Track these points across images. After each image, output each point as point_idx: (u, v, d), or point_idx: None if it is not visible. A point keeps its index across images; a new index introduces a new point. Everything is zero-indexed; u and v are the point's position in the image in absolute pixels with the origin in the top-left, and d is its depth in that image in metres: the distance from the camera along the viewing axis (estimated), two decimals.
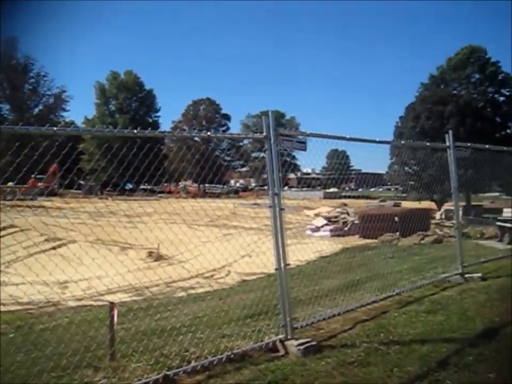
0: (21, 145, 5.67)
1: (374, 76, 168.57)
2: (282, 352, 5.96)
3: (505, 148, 13.42)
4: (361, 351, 5.88)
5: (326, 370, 5.32)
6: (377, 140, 8.59)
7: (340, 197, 45.81)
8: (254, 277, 15.23)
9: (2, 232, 22.97)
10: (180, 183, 69.77)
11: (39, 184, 48.28)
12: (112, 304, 5.80)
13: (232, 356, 5.67)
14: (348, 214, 32.58)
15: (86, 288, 14.67)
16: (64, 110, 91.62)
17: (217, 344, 6.02)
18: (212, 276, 17.28)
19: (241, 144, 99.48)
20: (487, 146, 12.45)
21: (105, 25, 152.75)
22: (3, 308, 12.77)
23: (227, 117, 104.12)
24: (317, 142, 7.30)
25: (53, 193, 41.32)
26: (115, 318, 5.67)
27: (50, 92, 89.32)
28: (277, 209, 6.19)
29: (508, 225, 17.89)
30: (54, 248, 21.28)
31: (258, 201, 47.53)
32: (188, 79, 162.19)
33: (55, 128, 4.91)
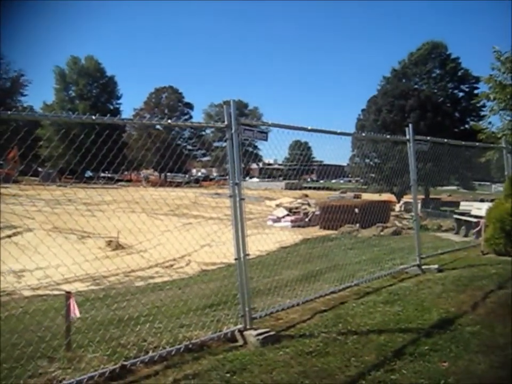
0: None
1: (338, 67, 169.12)
2: (241, 342, 5.97)
3: (463, 143, 13.67)
4: (319, 341, 5.92)
5: (284, 360, 5.34)
6: (338, 131, 8.63)
7: (301, 188, 46.04)
8: (214, 267, 15.22)
9: None
10: (141, 172, 69.21)
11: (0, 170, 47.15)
12: (68, 294, 5.70)
13: (190, 346, 5.65)
14: (309, 205, 32.78)
15: (42, 277, 14.42)
16: (22, 94, 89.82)
17: (176, 334, 6.00)
18: (172, 265, 17.19)
19: (203, 133, 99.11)
20: (446, 140, 12.65)
21: (67, 9, 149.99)
22: None
23: (190, 106, 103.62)
24: (280, 133, 7.30)
25: (9, 179, 40.36)
26: (72, 308, 5.57)
27: (7, 76, 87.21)
28: (237, 199, 6.18)
29: (464, 218, 18.29)
30: (9, 236, 20.84)
31: (220, 191, 47.44)
32: (150, 67, 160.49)
33: (9, 112, 4.76)
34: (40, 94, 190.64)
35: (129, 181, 61.43)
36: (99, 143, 5.76)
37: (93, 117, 5.21)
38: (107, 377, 4.89)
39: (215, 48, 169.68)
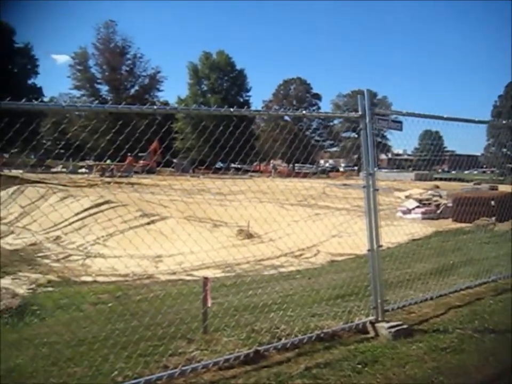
0: (122, 124, 5.91)
1: (467, 53, 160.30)
2: (372, 334, 5.93)
3: None
4: (454, 337, 5.75)
5: (417, 355, 5.25)
6: (476, 119, 8.25)
7: (432, 179, 44.50)
8: (342, 258, 15.15)
9: (101, 208, 24.20)
10: (271, 162, 70.24)
11: (140, 162, 50.17)
12: (206, 279, 5.98)
13: (322, 335, 5.70)
14: (440, 196, 31.57)
15: (177, 263, 15.18)
16: (158, 90, 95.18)
17: (307, 322, 6.07)
18: (301, 255, 17.34)
19: (331, 124, 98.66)
20: None
21: (197, 7, 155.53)
22: (103, 279, 13.51)
23: (318, 97, 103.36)
24: (410, 122, 7.10)
25: (151, 171, 42.78)
26: (209, 292, 5.84)
27: (146, 73, 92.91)
28: (371, 189, 6.09)
29: None
30: (148, 223, 22.09)
31: (348, 182, 47.08)
32: (278, 59, 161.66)
33: (154, 107, 5.09)
34: (175, 89, 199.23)
35: (260, 171, 62.60)
36: (231, 134, 5.97)
37: (231, 109, 5.39)
38: (241, 360, 5.07)
39: (343, 37, 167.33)
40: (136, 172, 37.78)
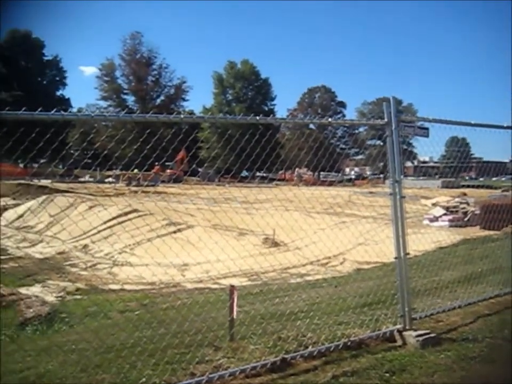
0: (149, 134, 5.99)
1: (492, 56, 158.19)
2: (399, 342, 5.88)
3: None
4: (483, 346, 5.67)
5: (446, 364, 5.19)
6: (505, 125, 8.16)
7: (459, 186, 44.00)
8: (368, 266, 15.06)
9: (128, 216, 24.46)
10: (296, 170, 70.19)
11: (168, 171, 50.62)
12: (232, 287, 6.01)
13: (349, 343, 5.68)
14: (467, 204, 31.19)
15: (203, 271, 15.25)
16: (184, 99, 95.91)
17: (334, 330, 6.05)
18: (327, 263, 17.29)
19: (356, 131, 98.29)
20: None
21: (222, 16, 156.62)
22: (130, 287, 13.63)
23: (342, 105, 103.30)
24: (436, 129, 7.04)
25: (178, 180, 43.14)
26: (235, 301, 5.86)
27: (171, 83, 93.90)
28: (398, 197, 6.06)
29: None
30: (174, 232, 22.23)
31: (373, 189, 46.80)
32: (303, 67, 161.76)
33: (181, 116, 5.17)
34: (200, 99, 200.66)
35: (283, 180, 62.57)
36: (256, 143, 6.01)
37: (257, 118, 5.44)
38: (268, 368, 5.07)
39: (369, 45, 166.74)
40: (163, 181, 38.09)
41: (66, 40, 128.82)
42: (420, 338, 5.74)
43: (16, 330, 9.10)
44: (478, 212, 26.70)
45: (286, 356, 5.27)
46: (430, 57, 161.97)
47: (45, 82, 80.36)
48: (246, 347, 5.58)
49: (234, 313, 5.88)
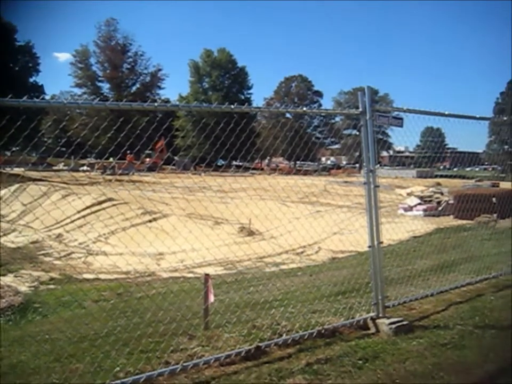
0: (123, 122, 5.93)
1: (465, 49, 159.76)
2: (373, 330, 5.95)
3: None
4: (454, 333, 5.76)
5: (418, 351, 5.26)
6: (478, 116, 8.25)
7: (434, 176, 44.42)
8: (344, 255, 15.18)
9: (103, 205, 24.27)
10: (267, 159, 70.27)
11: (147, 159, 50.23)
12: (207, 276, 6.01)
13: (323, 331, 5.72)
14: (442, 193, 31.57)
15: (178, 261, 15.22)
16: (159, 87, 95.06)
17: (308, 319, 6.10)
18: (303, 252, 17.38)
19: (333, 121, 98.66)
20: None
21: (198, 4, 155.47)
22: (104, 276, 13.55)
23: (319, 94, 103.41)
24: (411, 119, 7.09)
25: (152, 168, 42.83)
26: (210, 289, 5.87)
27: (147, 71, 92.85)
28: (372, 186, 6.10)
29: None
30: (150, 221, 22.14)
31: (349, 179, 47.10)
32: (280, 56, 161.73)
33: (155, 104, 5.12)
34: (176, 87, 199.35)
35: (259, 169, 62.53)
36: (231, 131, 6.00)
37: (232, 106, 5.42)
38: (243, 356, 5.09)
39: (345, 35, 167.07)
40: (142, 170, 37.82)
41: (39, 25, 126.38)
42: (393, 326, 5.80)
43: None
44: (452, 202, 27.05)
45: (260, 344, 5.29)
46: (410, 48, 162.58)
47: (17, 68, 78.64)
48: (221, 335, 5.60)
49: (210, 300, 5.88)
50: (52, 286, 13.28)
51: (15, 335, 6.72)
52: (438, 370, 4.81)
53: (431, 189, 33.36)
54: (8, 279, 13.50)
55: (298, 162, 76.53)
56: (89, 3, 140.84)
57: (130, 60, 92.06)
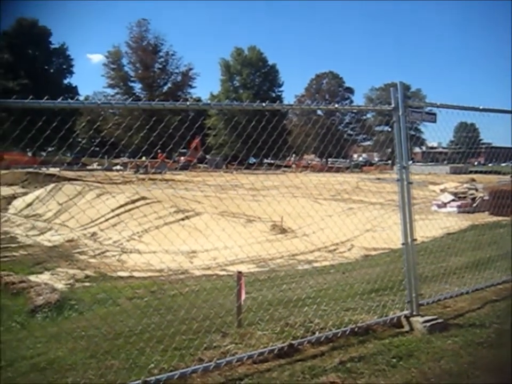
0: (155, 121, 6.00)
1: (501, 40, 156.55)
2: (407, 328, 5.90)
3: None
4: (491, 332, 5.68)
5: (453, 349, 5.21)
6: None
7: (468, 172, 43.82)
8: (377, 252, 15.06)
9: (136, 204, 24.55)
10: (292, 157, 69.85)
11: (182, 158, 50.66)
12: (240, 274, 6.03)
13: (356, 329, 5.70)
14: (476, 189, 31.06)
15: (211, 258, 15.29)
16: (191, 87, 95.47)
17: (341, 316, 6.07)
18: (335, 249, 17.30)
19: (364, 117, 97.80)
20: None
21: (228, 4, 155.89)
22: (138, 274, 13.71)
23: (350, 90, 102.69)
24: (444, 114, 6.98)
25: (185, 167, 43.21)
26: (243, 287, 5.89)
27: (178, 70, 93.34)
28: (405, 183, 6.04)
29: None
30: (183, 219, 22.29)
31: (381, 176, 46.65)
32: (311, 53, 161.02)
33: (187, 103, 5.18)
34: (207, 86, 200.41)
35: (290, 166, 62.25)
36: (262, 129, 6.01)
37: (263, 104, 5.43)
38: (276, 354, 5.11)
39: (375, 31, 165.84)
40: (182, 168, 38.12)
41: (73, 28, 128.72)
42: (427, 324, 5.75)
43: (27, 318, 9.20)
44: (486, 198, 26.62)
45: (293, 342, 5.30)
46: (440, 43, 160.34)
47: (52, 70, 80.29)
48: (254, 333, 5.61)
49: (243, 298, 5.91)
50: (87, 284, 13.50)
51: (52, 331, 6.85)
52: (473, 369, 4.75)
53: (465, 185, 32.84)
54: (45, 277, 13.76)
55: (330, 159, 76.11)
56: (121, 4, 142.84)
57: (162, 59, 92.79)
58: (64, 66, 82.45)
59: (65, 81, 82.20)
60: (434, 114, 6.67)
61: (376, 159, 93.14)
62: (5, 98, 4.24)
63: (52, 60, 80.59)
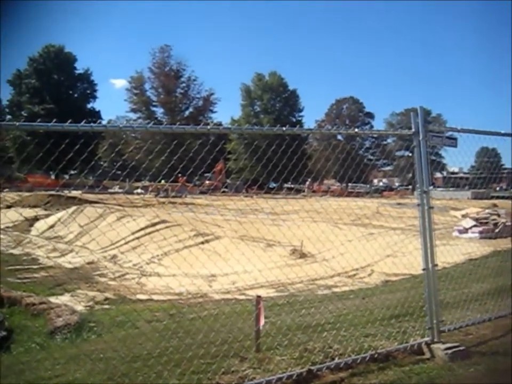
0: (176, 145, 6.06)
1: None
2: (428, 355, 5.81)
3: None
4: None
5: (475, 377, 5.12)
6: None
7: (490, 197, 43.26)
8: (397, 277, 14.91)
9: (156, 227, 24.67)
10: (307, 181, 69.71)
11: (206, 182, 50.95)
12: (258, 298, 6.01)
13: (376, 356, 5.63)
14: (498, 215, 30.67)
15: (232, 281, 15.26)
16: (212, 111, 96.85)
17: (361, 342, 6.00)
18: (355, 274, 17.16)
19: (384, 142, 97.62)
20: None
21: (249, 29, 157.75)
22: (157, 297, 13.71)
23: (370, 115, 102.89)
24: (466, 139, 6.95)
25: (215, 190, 43.38)
26: (261, 311, 5.86)
27: (200, 95, 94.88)
28: (426, 207, 6.01)
29: None
30: (203, 242, 22.32)
31: (402, 200, 46.36)
32: (331, 79, 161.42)
33: (208, 127, 5.24)
34: (228, 111, 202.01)
35: (313, 191, 62.14)
36: (280, 153, 6.04)
37: (283, 128, 5.47)
38: (294, 379, 5.06)
39: (396, 56, 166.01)
40: (202, 193, 38.33)
41: (98, 53, 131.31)
42: (449, 351, 5.66)
43: (46, 339, 9.25)
44: (509, 224, 26.30)
45: (312, 368, 5.25)
46: (461, 68, 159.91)
47: (76, 95, 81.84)
48: (272, 358, 5.57)
49: (261, 323, 5.87)
50: (106, 306, 13.53)
51: (71, 353, 6.86)
52: None
53: (487, 211, 32.46)
54: (65, 298, 13.84)
55: (350, 184, 75.92)
56: (145, 31, 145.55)
57: (184, 84, 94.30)
58: (88, 91, 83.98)
59: (89, 106, 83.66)
60: (455, 139, 6.65)
61: (397, 184, 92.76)
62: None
63: (77, 85, 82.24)
